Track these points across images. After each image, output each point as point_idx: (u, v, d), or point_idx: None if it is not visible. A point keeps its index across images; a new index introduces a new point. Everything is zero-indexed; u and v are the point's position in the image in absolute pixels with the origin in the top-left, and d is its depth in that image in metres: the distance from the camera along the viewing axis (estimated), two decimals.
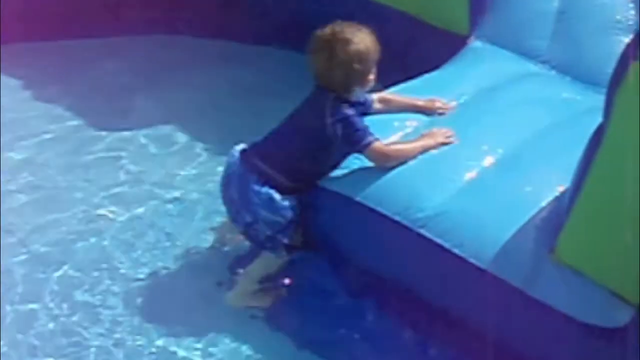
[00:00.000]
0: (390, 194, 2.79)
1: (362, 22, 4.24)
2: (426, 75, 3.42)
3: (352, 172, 2.91)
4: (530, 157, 2.91)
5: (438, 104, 3.18)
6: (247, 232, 2.98)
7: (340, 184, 2.89)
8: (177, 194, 3.60)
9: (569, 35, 3.77)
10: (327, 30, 2.95)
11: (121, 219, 3.47)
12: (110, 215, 3.49)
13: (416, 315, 2.79)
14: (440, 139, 2.94)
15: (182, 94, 4.30)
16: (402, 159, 2.87)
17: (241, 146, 3.03)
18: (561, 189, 2.68)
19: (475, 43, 3.73)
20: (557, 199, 2.67)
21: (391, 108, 3.16)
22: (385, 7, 4.13)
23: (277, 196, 2.89)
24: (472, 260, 2.59)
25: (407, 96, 3.20)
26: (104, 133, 4.03)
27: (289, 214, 2.90)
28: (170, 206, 3.53)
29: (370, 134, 2.86)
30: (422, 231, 2.69)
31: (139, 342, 2.93)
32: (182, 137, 4.00)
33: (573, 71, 3.61)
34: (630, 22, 3.74)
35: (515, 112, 3.19)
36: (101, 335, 2.96)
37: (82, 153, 3.92)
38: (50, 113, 4.20)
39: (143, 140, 3.98)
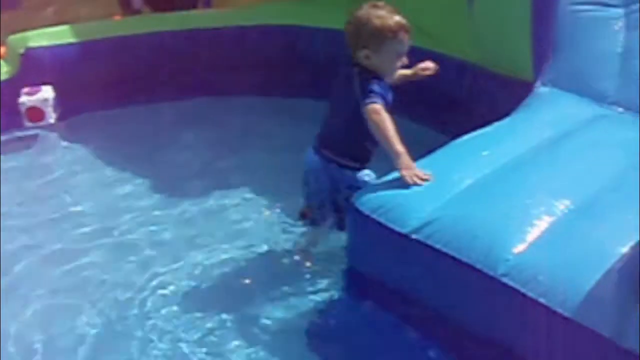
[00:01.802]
0: (470, 242, 2.76)
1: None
2: (497, 123, 3.42)
3: (429, 218, 2.88)
4: (609, 201, 2.87)
5: (422, 67, 3.54)
6: (319, 213, 3.37)
7: (417, 230, 2.87)
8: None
9: (637, 73, 3.74)
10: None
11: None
12: None
13: None
14: (410, 173, 3.02)
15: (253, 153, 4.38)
16: (381, 131, 3.06)
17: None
18: None
19: (541, 89, 3.72)
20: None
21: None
22: (447, 57, 4.17)
23: (356, 172, 3.28)
24: (558, 309, 2.54)
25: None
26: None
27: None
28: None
29: (376, 99, 3.08)
30: (506, 280, 2.65)
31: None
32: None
33: None
34: None
35: (590, 156, 3.17)
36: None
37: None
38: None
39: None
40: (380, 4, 3.22)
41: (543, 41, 3.82)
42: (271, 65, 5.06)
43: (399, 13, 3.20)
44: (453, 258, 2.76)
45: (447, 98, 4.29)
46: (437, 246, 2.80)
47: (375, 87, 3.11)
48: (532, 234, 2.75)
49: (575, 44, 3.84)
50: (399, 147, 3.03)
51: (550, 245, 2.71)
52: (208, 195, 4.03)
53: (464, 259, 2.73)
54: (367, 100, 3.08)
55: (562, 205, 2.86)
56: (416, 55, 4.38)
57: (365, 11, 3.19)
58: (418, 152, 3.23)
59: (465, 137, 3.36)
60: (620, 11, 3.93)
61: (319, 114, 4.57)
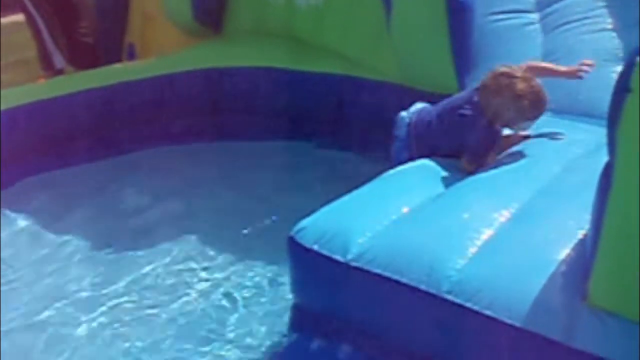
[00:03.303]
0: (411, 263, 2.73)
1: (357, 100, 4.44)
2: None
3: (370, 244, 2.85)
4: (545, 206, 2.88)
5: (578, 68, 3.46)
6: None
7: (358, 257, 2.83)
8: None
9: None
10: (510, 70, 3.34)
11: None
12: None
13: None
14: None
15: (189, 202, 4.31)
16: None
17: (412, 110, 3.53)
18: (582, 232, 2.64)
19: None
20: (580, 243, 2.62)
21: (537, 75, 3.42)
22: (375, 82, 4.19)
23: None
24: (506, 319, 2.51)
25: (548, 65, 3.55)
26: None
27: None
28: None
29: (478, 159, 3.32)
30: (449, 297, 2.62)
31: None
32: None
33: (572, 110, 3.62)
34: (617, 52, 3.75)
35: (523, 162, 3.20)
36: None
37: None
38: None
39: None
40: (519, 84, 3.26)
41: (463, 54, 3.84)
42: (203, 109, 5.01)
43: (534, 86, 3.27)
44: (396, 281, 2.72)
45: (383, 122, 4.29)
46: (379, 271, 2.76)
47: (484, 151, 3.33)
48: (473, 248, 2.73)
49: (496, 53, 3.88)
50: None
51: (492, 257, 2.69)
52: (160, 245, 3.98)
53: (407, 281, 2.69)
54: (468, 159, 3.33)
55: (500, 216, 2.86)
56: (341, 83, 4.50)
57: (504, 97, 3.27)
58: (354, 179, 3.25)
59: (403, 166, 3.36)
60: (535, 16, 4.00)
61: (257, 156, 4.65)
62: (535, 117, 3.33)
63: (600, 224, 2.36)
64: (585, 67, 3.44)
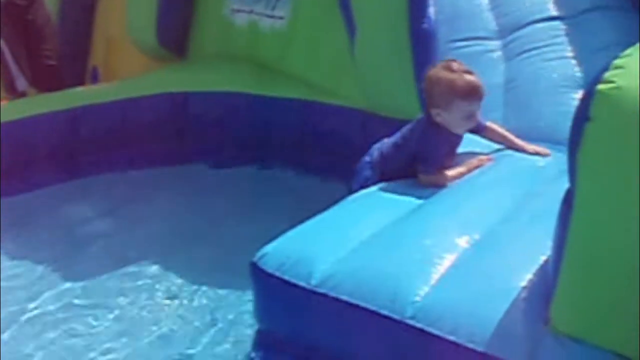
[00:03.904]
0: (375, 289, 2.72)
1: (321, 125, 4.46)
2: None
3: (333, 270, 2.84)
4: (508, 231, 2.90)
5: (535, 150, 3.49)
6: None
7: (321, 284, 2.82)
8: None
9: (521, 102, 3.85)
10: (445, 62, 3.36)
11: None
12: None
13: None
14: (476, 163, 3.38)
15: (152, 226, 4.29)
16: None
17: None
18: (544, 258, 2.66)
19: None
20: (542, 269, 2.64)
21: (493, 138, 3.54)
22: (339, 107, 4.20)
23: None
24: (469, 345, 2.51)
25: (509, 134, 3.55)
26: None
27: None
28: None
29: (431, 167, 3.29)
30: (413, 322, 2.61)
31: None
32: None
33: (532, 136, 3.65)
34: (578, 79, 3.81)
35: (486, 189, 3.23)
36: None
37: None
38: None
39: None
40: (454, 64, 3.29)
41: None
42: (166, 133, 4.99)
43: (470, 73, 3.28)
44: (360, 307, 2.71)
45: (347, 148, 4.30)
46: (343, 297, 2.75)
47: (431, 152, 3.30)
48: (436, 274, 2.73)
49: None
50: (456, 175, 3.32)
51: (455, 283, 2.69)
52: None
53: (371, 307, 2.69)
54: (422, 169, 3.32)
55: (463, 241, 2.86)
56: (305, 108, 4.51)
57: (436, 72, 3.31)
58: (318, 205, 3.24)
59: (365, 190, 3.37)
60: (497, 43, 4.05)
61: (220, 181, 4.65)
62: (466, 99, 3.25)
63: (562, 250, 2.38)
64: (541, 153, 3.48)
